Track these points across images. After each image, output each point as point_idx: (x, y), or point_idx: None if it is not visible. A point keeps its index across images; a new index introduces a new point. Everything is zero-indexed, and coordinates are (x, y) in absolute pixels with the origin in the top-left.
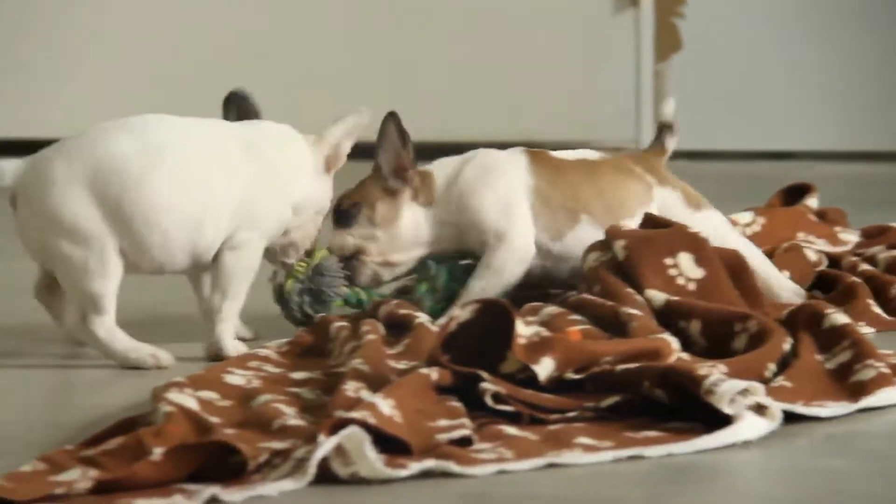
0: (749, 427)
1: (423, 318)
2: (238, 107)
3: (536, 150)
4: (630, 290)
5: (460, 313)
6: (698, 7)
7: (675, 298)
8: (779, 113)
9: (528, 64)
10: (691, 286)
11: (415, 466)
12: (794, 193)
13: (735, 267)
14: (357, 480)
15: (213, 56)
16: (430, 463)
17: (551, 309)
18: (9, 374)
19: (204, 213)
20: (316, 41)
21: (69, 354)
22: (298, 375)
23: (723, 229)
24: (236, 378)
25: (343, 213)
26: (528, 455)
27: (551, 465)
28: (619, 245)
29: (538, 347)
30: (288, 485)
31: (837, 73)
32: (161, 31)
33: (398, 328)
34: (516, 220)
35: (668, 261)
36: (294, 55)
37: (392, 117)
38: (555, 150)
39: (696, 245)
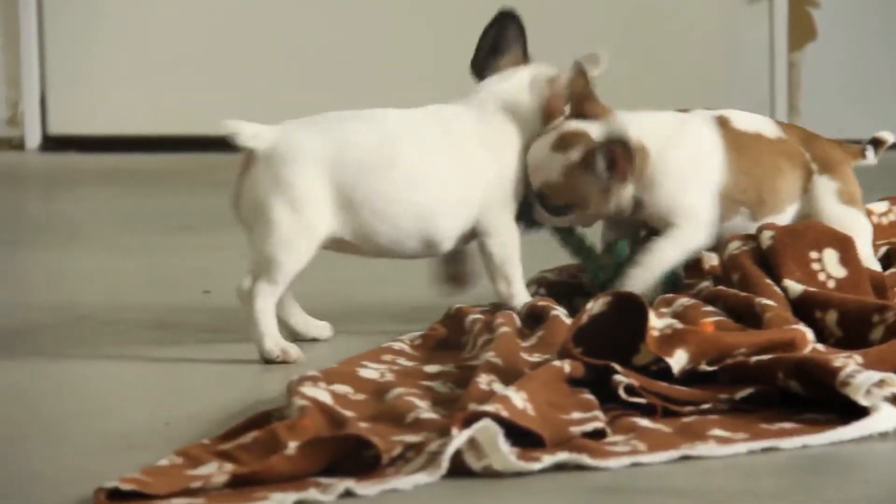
0: (886, 418)
1: (558, 310)
2: (503, 30)
3: (726, 122)
4: (769, 280)
5: (592, 306)
6: None
7: (812, 289)
8: None
9: (661, 54)
10: (831, 284)
11: (548, 459)
12: None
13: (876, 284)
14: (490, 473)
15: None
16: (563, 456)
17: (684, 300)
18: (147, 368)
19: (437, 205)
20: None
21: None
22: (431, 369)
23: (856, 232)
24: (370, 372)
25: (553, 208)
26: (662, 447)
27: (685, 458)
28: (766, 235)
29: (671, 340)
30: (422, 478)
31: None
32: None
33: (534, 319)
34: (702, 210)
35: (814, 254)
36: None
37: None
38: None
39: (843, 244)
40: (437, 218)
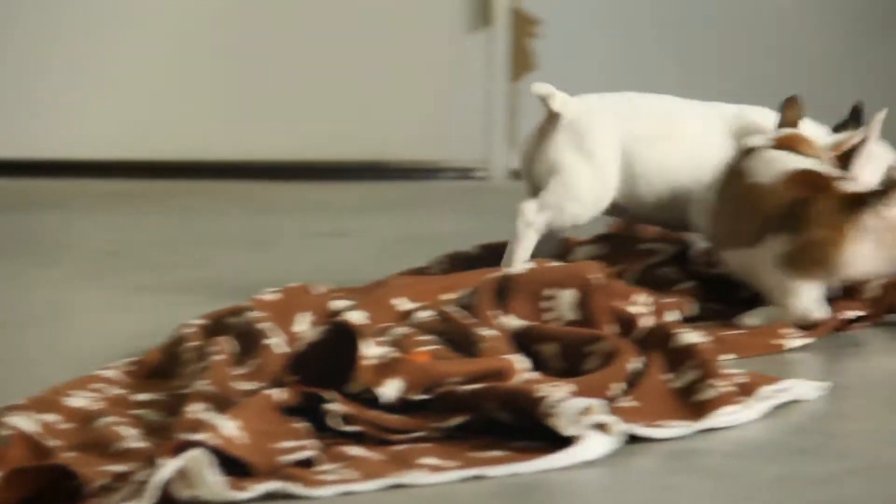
0: (592, 446)
1: (272, 340)
2: None
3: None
4: (493, 312)
5: (310, 333)
6: (554, 27)
7: (533, 324)
8: None
9: (381, 82)
10: (556, 326)
11: (258, 488)
12: None
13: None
14: (199, 503)
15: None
16: (274, 484)
17: (403, 329)
18: None
19: (693, 188)
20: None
21: None
22: (142, 397)
23: None
24: (78, 400)
25: None
26: (374, 476)
27: (396, 486)
28: (526, 266)
29: (384, 369)
30: None
31: None
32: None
33: (249, 342)
34: None
35: (548, 292)
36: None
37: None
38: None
39: (587, 290)
40: (691, 196)
